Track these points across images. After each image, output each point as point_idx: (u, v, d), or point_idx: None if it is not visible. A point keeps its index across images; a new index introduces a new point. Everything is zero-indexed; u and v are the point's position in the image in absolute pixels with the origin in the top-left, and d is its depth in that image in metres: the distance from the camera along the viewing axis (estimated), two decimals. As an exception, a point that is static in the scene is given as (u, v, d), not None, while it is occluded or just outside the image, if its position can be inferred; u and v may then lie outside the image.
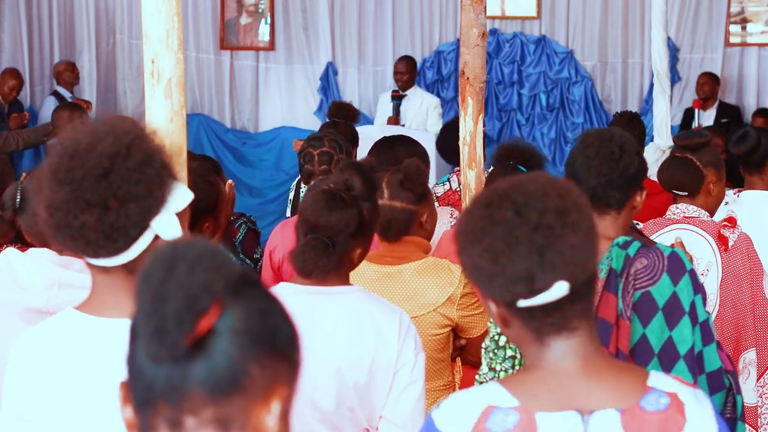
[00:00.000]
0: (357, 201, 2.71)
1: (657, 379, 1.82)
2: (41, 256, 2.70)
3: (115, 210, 1.83)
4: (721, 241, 3.85)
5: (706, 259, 3.87)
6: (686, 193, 3.94)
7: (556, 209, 1.75)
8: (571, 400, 1.79)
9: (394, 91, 9.34)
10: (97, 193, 1.83)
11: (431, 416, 1.86)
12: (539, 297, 1.75)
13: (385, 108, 9.34)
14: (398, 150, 4.62)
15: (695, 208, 3.92)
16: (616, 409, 1.78)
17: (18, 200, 2.77)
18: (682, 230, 3.91)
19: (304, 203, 2.74)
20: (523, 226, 1.74)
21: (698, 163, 3.91)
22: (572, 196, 1.78)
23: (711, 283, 3.85)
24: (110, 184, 1.83)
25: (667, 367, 2.57)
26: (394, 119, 9.06)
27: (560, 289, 1.74)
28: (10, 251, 2.79)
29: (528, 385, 1.83)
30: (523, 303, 1.76)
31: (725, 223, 3.92)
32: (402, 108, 9.18)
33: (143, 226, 1.87)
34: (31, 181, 2.79)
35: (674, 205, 3.97)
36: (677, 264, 2.62)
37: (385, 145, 4.86)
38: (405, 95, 9.27)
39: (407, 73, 9.38)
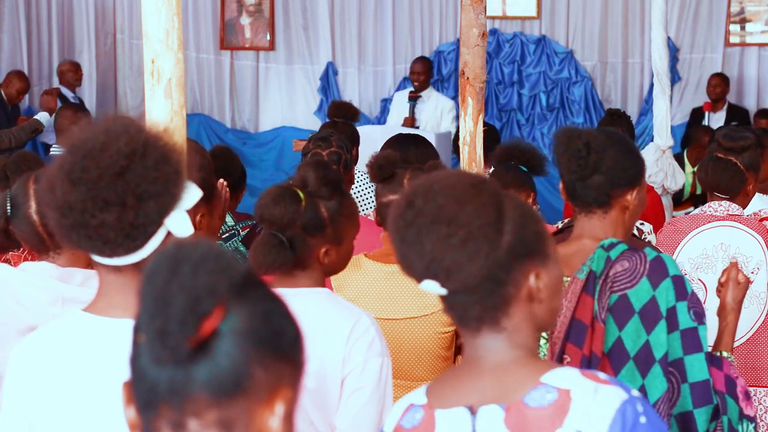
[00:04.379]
0: (312, 198, 2.68)
1: (555, 375, 1.77)
2: (40, 271, 2.66)
3: (133, 208, 1.83)
4: None
5: (756, 258, 3.87)
6: (727, 196, 3.93)
7: (431, 216, 1.76)
8: (466, 396, 1.80)
9: (411, 92, 9.31)
10: (115, 192, 1.83)
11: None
12: (420, 285, 1.80)
13: (400, 108, 9.31)
14: (409, 149, 4.63)
15: (737, 206, 3.92)
16: (500, 404, 1.76)
17: (8, 208, 2.75)
18: (729, 228, 3.89)
19: (258, 200, 2.72)
20: (403, 217, 1.79)
21: (742, 167, 3.91)
22: (457, 208, 1.76)
23: (761, 282, 3.85)
24: (128, 182, 1.83)
25: (642, 371, 2.55)
26: (410, 120, 9.03)
27: (429, 285, 1.78)
28: (3, 268, 2.74)
29: (440, 382, 1.86)
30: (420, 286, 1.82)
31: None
32: (417, 109, 9.16)
33: (159, 224, 1.87)
34: (19, 189, 2.77)
35: (715, 202, 3.94)
36: (659, 268, 2.59)
37: (396, 142, 4.87)
38: (420, 96, 9.24)
39: (423, 73, 9.35)
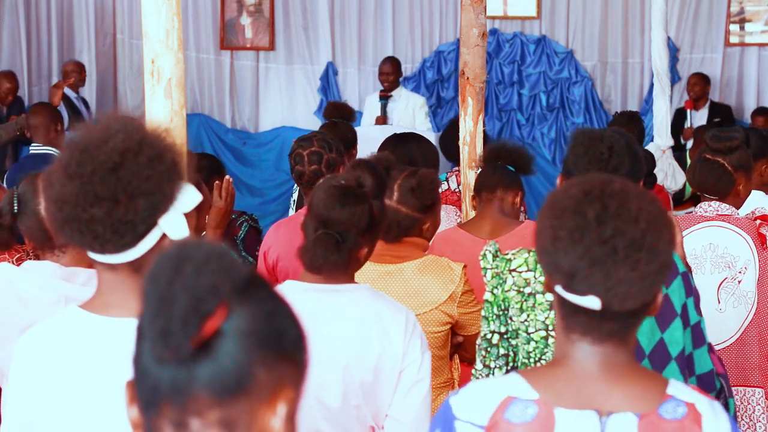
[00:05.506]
0: (368, 198, 2.72)
1: (676, 388, 1.84)
2: (44, 271, 2.66)
3: (124, 204, 1.84)
4: (760, 239, 3.86)
5: (743, 258, 3.87)
6: (716, 197, 3.94)
7: (632, 240, 1.74)
8: (591, 400, 1.81)
9: (381, 92, 9.36)
10: (107, 187, 1.84)
11: (448, 402, 1.89)
12: (571, 295, 1.78)
13: (372, 109, 9.35)
14: (411, 147, 4.64)
15: (727, 206, 3.93)
16: (635, 413, 1.80)
17: (15, 205, 2.75)
18: (717, 228, 3.90)
19: (315, 199, 2.73)
20: (594, 232, 1.75)
21: (730, 168, 3.91)
22: (658, 237, 1.76)
23: (749, 281, 3.86)
24: (120, 178, 1.84)
25: (657, 368, 2.58)
26: (382, 119, 9.08)
27: (591, 302, 1.77)
28: (7, 267, 2.74)
29: (550, 379, 1.85)
30: (558, 289, 1.81)
31: (761, 221, 3.92)
32: (388, 108, 9.20)
33: (151, 223, 1.88)
34: (27, 186, 2.78)
35: (705, 203, 3.96)
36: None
37: (398, 141, 4.88)
38: (391, 96, 9.29)
39: (393, 73, 9.40)
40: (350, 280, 2.74)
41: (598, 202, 1.77)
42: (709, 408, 1.83)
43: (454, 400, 1.89)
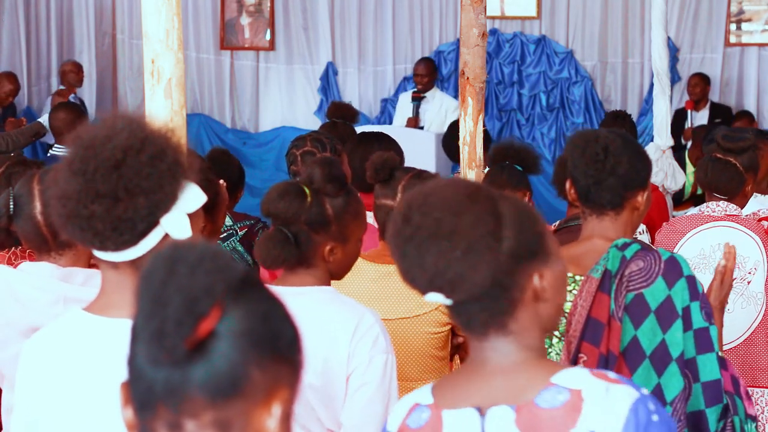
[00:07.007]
0: (319, 194, 2.69)
1: (565, 375, 1.77)
2: (41, 272, 2.65)
3: (124, 202, 1.84)
4: None
5: (753, 259, 3.88)
6: (726, 197, 3.94)
7: (430, 232, 1.76)
8: (474, 397, 1.80)
9: (414, 92, 9.33)
10: (108, 184, 1.84)
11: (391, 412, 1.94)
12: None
13: (405, 108, 9.31)
14: (374, 148, 4.60)
15: (734, 206, 3.93)
16: (510, 405, 1.76)
17: (11, 207, 2.75)
18: (726, 228, 3.90)
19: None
20: (402, 232, 1.79)
21: (741, 168, 3.93)
22: (456, 221, 1.76)
23: (758, 282, 3.86)
24: (121, 175, 1.84)
25: (659, 369, 2.56)
26: (414, 121, 9.04)
27: (436, 298, 1.78)
28: (4, 269, 2.73)
29: (447, 383, 1.87)
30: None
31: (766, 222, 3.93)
32: (421, 109, 9.17)
33: (151, 222, 1.87)
34: (23, 188, 2.77)
35: (713, 203, 3.96)
36: (674, 268, 2.61)
37: (361, 141, 4.85)
38: (424, 97, 9.26)
39: (427, 75, 9.37)
40: (316, 281, 2.70)
41: (406, 204, 1.81)
42: (601, 392, 1.73)
43: (393, 409, 1.93)
